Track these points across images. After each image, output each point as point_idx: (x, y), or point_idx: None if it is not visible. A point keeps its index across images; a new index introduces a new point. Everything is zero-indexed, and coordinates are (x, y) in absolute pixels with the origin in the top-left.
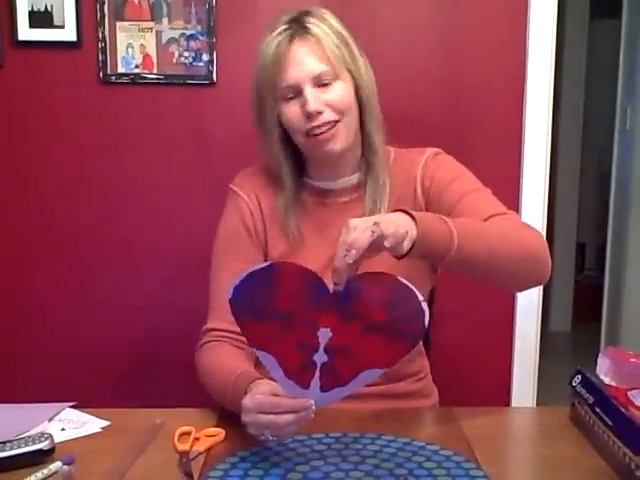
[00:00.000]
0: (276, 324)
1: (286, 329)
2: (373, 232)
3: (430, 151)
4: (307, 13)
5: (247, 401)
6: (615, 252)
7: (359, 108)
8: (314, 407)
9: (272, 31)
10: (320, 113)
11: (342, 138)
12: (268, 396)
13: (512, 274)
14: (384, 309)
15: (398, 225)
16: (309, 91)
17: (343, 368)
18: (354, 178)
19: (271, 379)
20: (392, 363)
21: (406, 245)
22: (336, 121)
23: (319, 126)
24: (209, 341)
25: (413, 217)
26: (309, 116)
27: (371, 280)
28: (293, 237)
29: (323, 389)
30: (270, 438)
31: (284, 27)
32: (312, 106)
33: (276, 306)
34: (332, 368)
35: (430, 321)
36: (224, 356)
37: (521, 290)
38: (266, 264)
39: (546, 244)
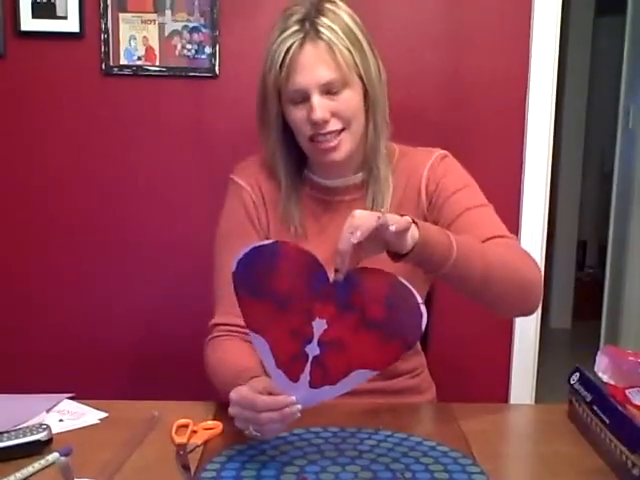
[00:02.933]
0: (273, 305)
1: (282, 312)
2: (379, 217)
3: (438, 153)
4: (320, 11)
5: (233, 394)
6: (616, 250)
7: (366, 110)
8: (299, 406)
9: (282, 31)
10: (326, 122)
11: (346, 146)
12: (251, 392)
13: (502, 300)
14: (382, 305)
15: (400, 219)
16: (316, 99)
17: (334, 364)
18: (357, 177)
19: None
20: (384, 365)
21: (409, 242)
22: (342, 129)
23: (324, 134)
24: (217, 336)
25: (415, 222)
26: (314, 124)
27: (372, 275)
28: (295, 231)
29: (312, 385)
30: (254, 434)
31: (295, 28)
32: (318, 115)
33: (274, 286)
34: (323, 363)
35: (429, 318)
36: (231, 351)
37: (507, 317)
38: (271, 241)
39: (541, 276)
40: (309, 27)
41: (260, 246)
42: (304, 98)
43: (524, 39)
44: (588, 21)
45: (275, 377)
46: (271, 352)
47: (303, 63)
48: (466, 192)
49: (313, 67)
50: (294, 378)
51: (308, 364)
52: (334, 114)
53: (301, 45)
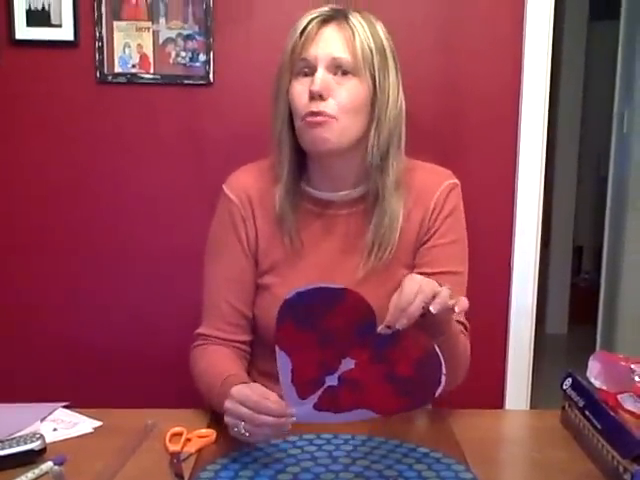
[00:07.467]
0: (313, 339)
1: (319, 347)
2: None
3: (447, 183)
4: (357, 11)
5: (234, 390)
6: (611, 255)
7: (370, 120)
8: (294, 418)
9: (313, 8)
10: (323, 99)
11: (334, 134)
12: (255, 394)
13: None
14: (412, 366)
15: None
16: (321, 72)
17: (345, 398)
18: (357, 191)
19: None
20: (389, 413)
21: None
22: (334, 118)
23: (315, 113)
24: (201, 344)
25: None
26: (312, 97)
27: (413, 335)
28: (291, 243)
29: (316, 407)
30: (243, 432)
31: (327, 9)
32: (317, 86)
33: (323, 324)
34: (335, 394)
35: None
36: (215, 357)
37: None
38: (340, 287)
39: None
40: (339, 13)
41: (326, 288)
42: (310, 72)
43: (517, 45)
44: (582, 26)
45: (285, 389)
46: (291, 371)
47: (321, 36)
48: (455, 249)
49: (329, 41)
50: (303, 396)
51: (321, 390)
52: (333, 96)
53: (326, 21)
